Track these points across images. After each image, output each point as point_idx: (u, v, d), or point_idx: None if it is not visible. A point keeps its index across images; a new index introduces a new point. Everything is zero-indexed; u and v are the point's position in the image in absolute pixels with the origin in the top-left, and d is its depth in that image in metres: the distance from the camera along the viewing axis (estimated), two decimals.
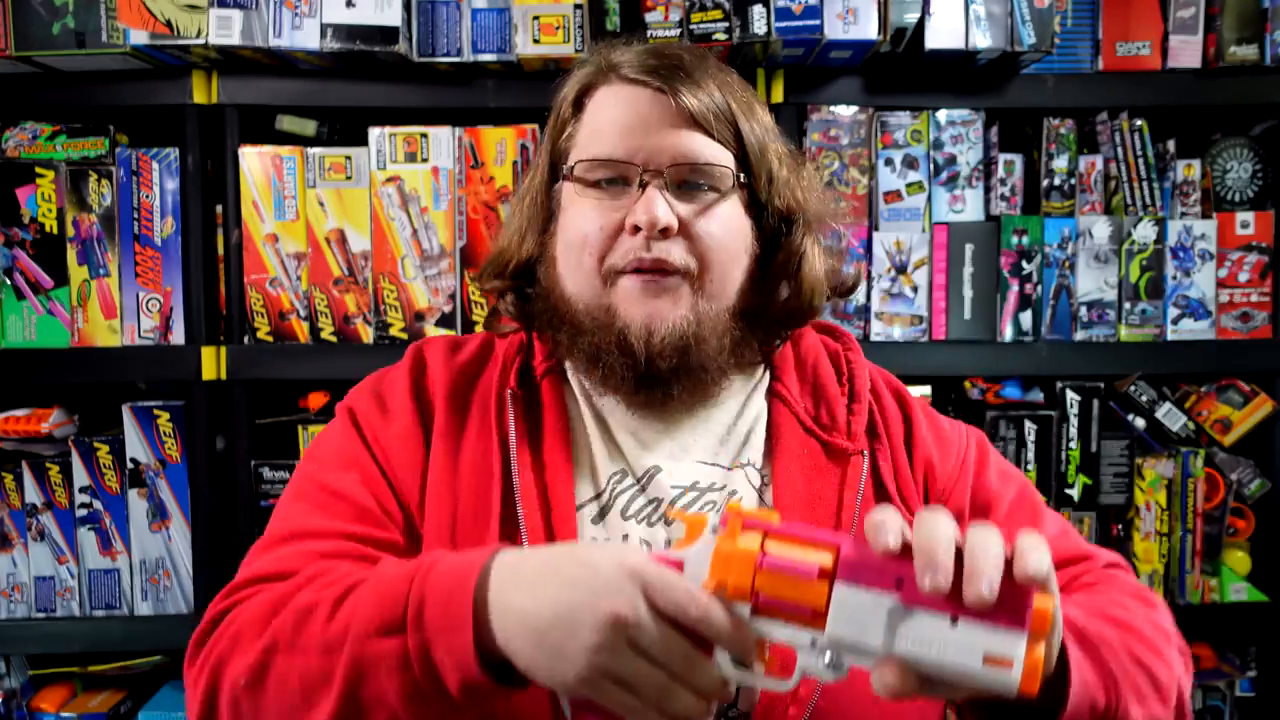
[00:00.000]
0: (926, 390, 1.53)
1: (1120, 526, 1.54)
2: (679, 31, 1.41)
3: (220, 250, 1.50)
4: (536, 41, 1.40)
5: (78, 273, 1.46)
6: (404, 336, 1.48)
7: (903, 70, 1.51)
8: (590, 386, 0.92)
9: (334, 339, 1.48)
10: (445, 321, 1.48)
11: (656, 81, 0.87)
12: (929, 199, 1.53)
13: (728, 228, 0.88)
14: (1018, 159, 1.54)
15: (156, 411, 1.47)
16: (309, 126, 1.54)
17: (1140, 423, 1.56)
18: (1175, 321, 1.54)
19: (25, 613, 1.48)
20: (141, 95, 1.46)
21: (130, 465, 1.46)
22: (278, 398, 1.55)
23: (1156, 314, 1.53)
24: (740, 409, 0.93)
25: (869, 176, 1.52)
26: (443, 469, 0.87)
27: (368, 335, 1.48)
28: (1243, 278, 1.55)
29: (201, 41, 1.37)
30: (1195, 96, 1.53)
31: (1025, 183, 1.55)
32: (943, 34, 1.42)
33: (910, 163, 1.53)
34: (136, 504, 1.47)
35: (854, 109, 1.52)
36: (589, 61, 0.94)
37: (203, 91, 1.46)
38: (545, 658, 0.64)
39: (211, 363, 1.46)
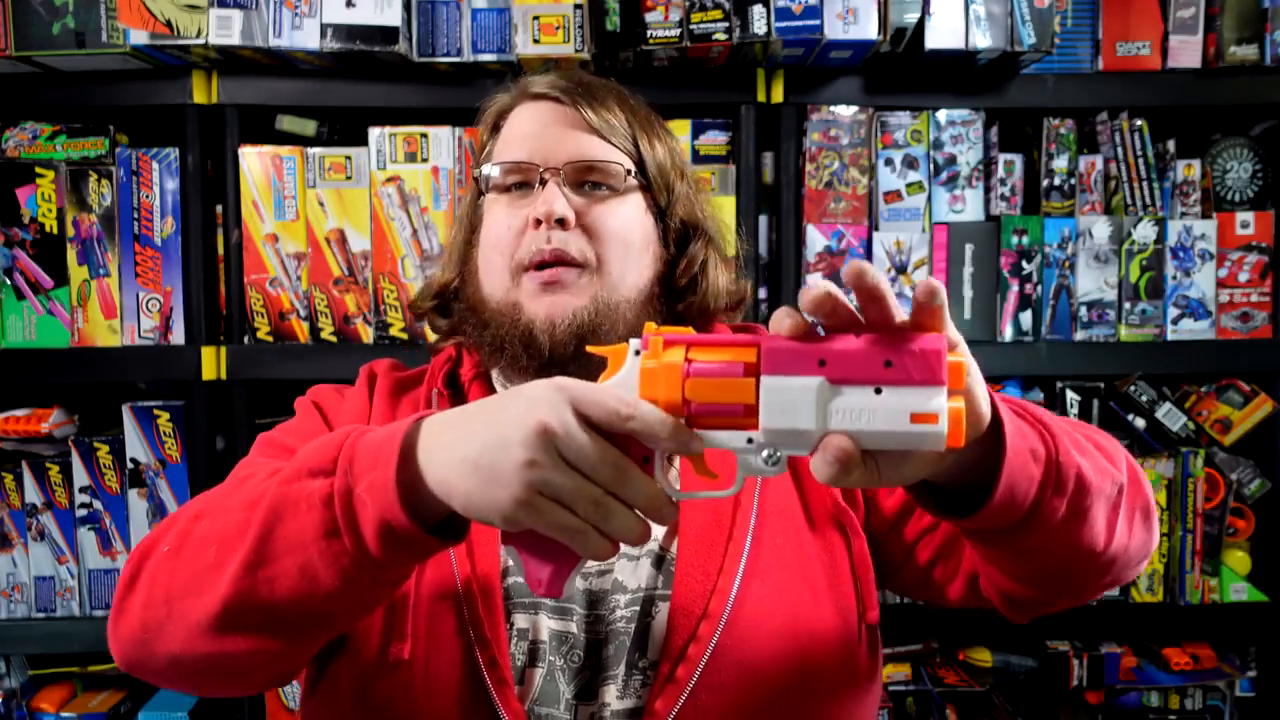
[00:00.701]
0: None
1: None
2: (679, 32, 1.41)
3: (220, 250, 1.50)
4: (536, 41, 1.40)
5: (78, 273, 1.46)
6: (404, 336, 1.48)
7: (903, 70, 1.51)
8: (503, 382, 0.98)
9: (334, 339, 1.48)
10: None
11: (562, 95, 0.97)
12: (929, 199, 1.53)
13: (623, 222, 0.95)
14: (1018, 159, 1.54)
15: (156, 411, 1.47)
16: (309, 126, 1.55)
17: (1140, 423, 1.56)
18: (1175, 321, 1.54)
19: (25, 613, 1.48)
20: (141, 95, 1.46)
21: (130, 465, 1.47)
22: (278, 398, 1.55)
23: (1156, 314, 1.53)
24: None
25: (869, 176, 1.52)
26: None
27: (368, 335, 1.48)
28: (1243, 278, 1.55)
29: (201, 41, 1.37)
30: (1195, 96, 1.53)
31: (1025, 183, 1.55)
32: (943, 34, 1.42)
33: (910, 163, 1.53)
34: (136, 504, 1.47)
35: (854, 109, 1.52)
36: (505, 90, 1.03)
37: (203, 91, 1.46)
38: (480, 484, 0.62)
39: (211, 363, 1.46)
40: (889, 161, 1.53)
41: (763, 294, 1.53)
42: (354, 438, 0.69)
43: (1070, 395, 1.52)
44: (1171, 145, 1.56)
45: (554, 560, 0.67)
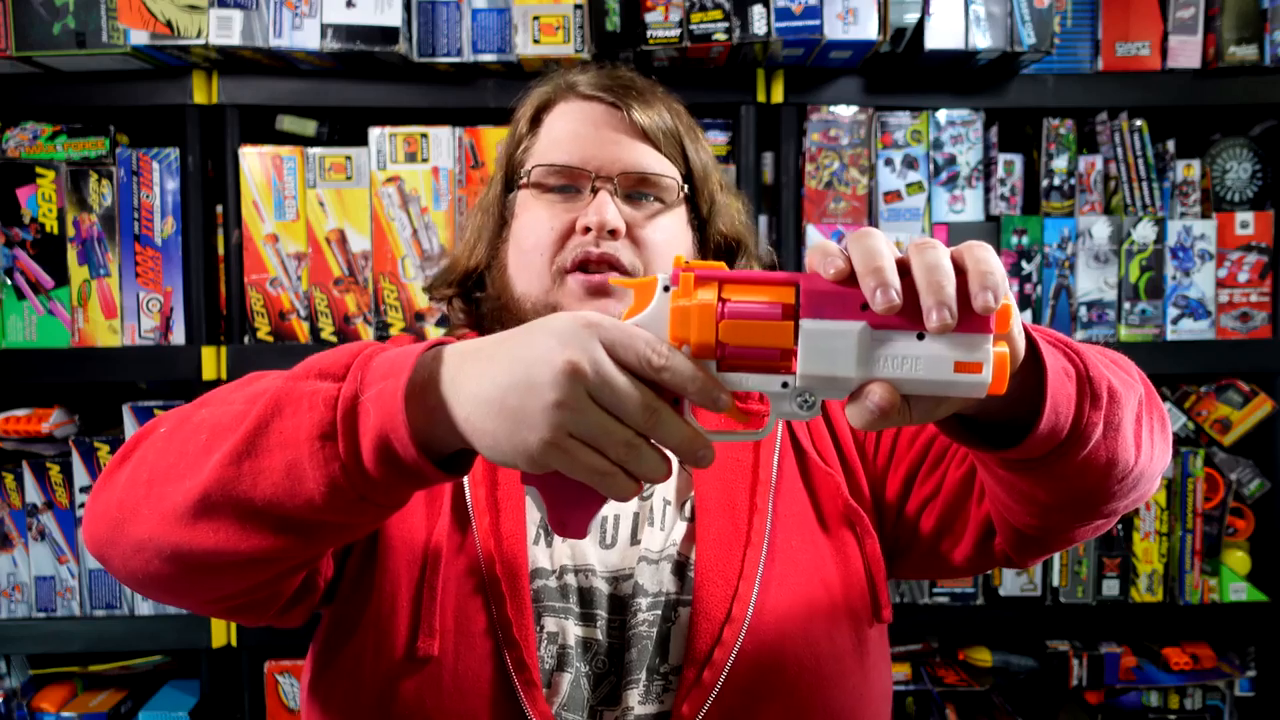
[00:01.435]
0: None
1: (1120, 526, 1.54)
2: (679, 32, 1.41)
3: (220, 250, 1.50)
4: (536, 42, 1.41)
5: (78, 273, 1.47)
6: (400, 334, 1.48)
7: (902, 70, 1.52)
8: None
9: (334, 339, 1.48)
10: (445, 322, 1.48)
11: (610, 97, 0.95)
12: (929, 199, 1.53)
13: (670, 236, 0.94)
14: (1017, 159, 1.54)
15: (157, 411, 1.47)
16: (309, 126, 1.55)
17: None
18: (1175, 321, 1.54)
19: (26, 612, 1.48)
20: (142, 95, 1.46)
21: None
22: None
23: (1156, 314, 1.54)
24: None
25: (869, 177, 1.52)
26: None
27: (368, 335, 1.48)
28: (1242, 278, 1.55)
29: (202, 42, 1.37)
30: (1195, 96, 1.53)
31: (1025, 183, 1.55)
32: (942, 34, 1.42)
33: (910, 163, 1.53)
34: None
35: (854, 109, 1.52)
36: (547, 81, 1.01)
37: (203, 91, 1.46)
38: (507, 425, 0.59)
39: (212, 363, 1.46)
40: (889, 162, 1.53)
41: None
42: (373, 349, 0.67)
43: None
44: (1171, 145, 1.56)
45: (577, 501, 0.64)
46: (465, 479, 0.85)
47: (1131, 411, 0.72)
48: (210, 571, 0.69)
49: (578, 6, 1.40)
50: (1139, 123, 1.53)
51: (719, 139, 1.53)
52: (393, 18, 1.39)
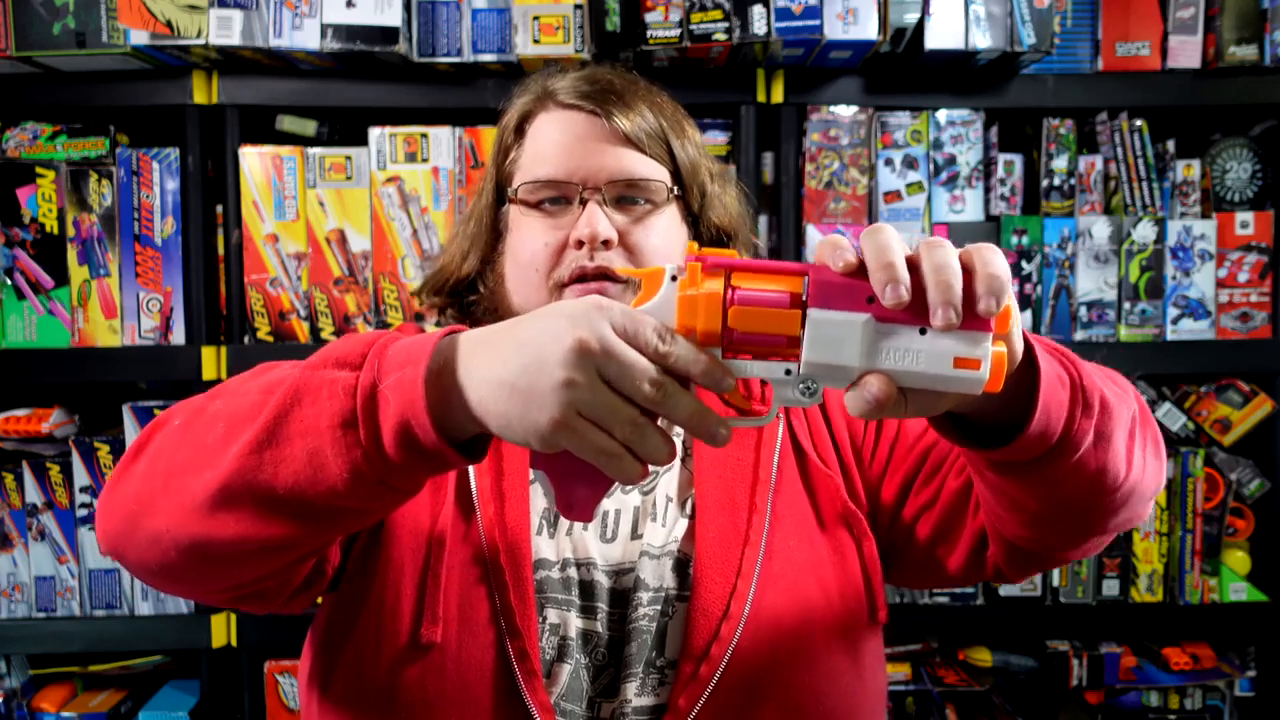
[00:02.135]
0: None
1: None
2: (679, 32, 1.41)
3: (220, 250, 1.50)
4: (536, 42, 1.41)
5: (78, 273, 1.46)
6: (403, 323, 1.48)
7: (902, 70, 1.52)
8: None
9: (334, 339, 1.48)
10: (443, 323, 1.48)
11: (590, 105, 0.95)
12: (929, 199, 1.53)
13: (665, 238, 0.94)
14: (1017, 159, 1.54)
15: (157, 411, 1.47)
16: (309, 126, 1.55)
17: None
18: (1175, 321, 1.54)
19: (26, 612, 1.48)
20: (142, 95, 1.46)
21: None
22: None
23: (1156, 314, 1.54)
24: None
25: (869, 177, 1.52)
26: None
27: None
28: (1242, 278, 1.55)
29: (202, 42, 1.37)
30: (1195, 96, 1.53)
31: (1025, 183, 1.55)
32: (942, 34, 1.42)
33: (910, 163, 1.53)
34: None
35: (854, 109, 1.52)
36: (528, 89, 1.01)
37: (203, 92, 1.46)
38: (518, 406, 0.61)
39: (212, 363, 1.46)
40: (889, 162, 1.53)
41: None
42: (387, 338, 0.67)
43: None
44: (1171, 145, 1.56)
45: (585, 484, 0.66)
46: (471, 468, 0.86)
47: (1124, 426, 0.73)
48: (227, 561, 0.70)
49: (578, 6, 1.40)
50: (1139, 123, 1.53)
51: (719, 139, 1.53)
52: (393, 18, 1.39)
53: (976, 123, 1.53)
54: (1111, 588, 1.54)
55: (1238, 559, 1.58)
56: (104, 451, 1.47)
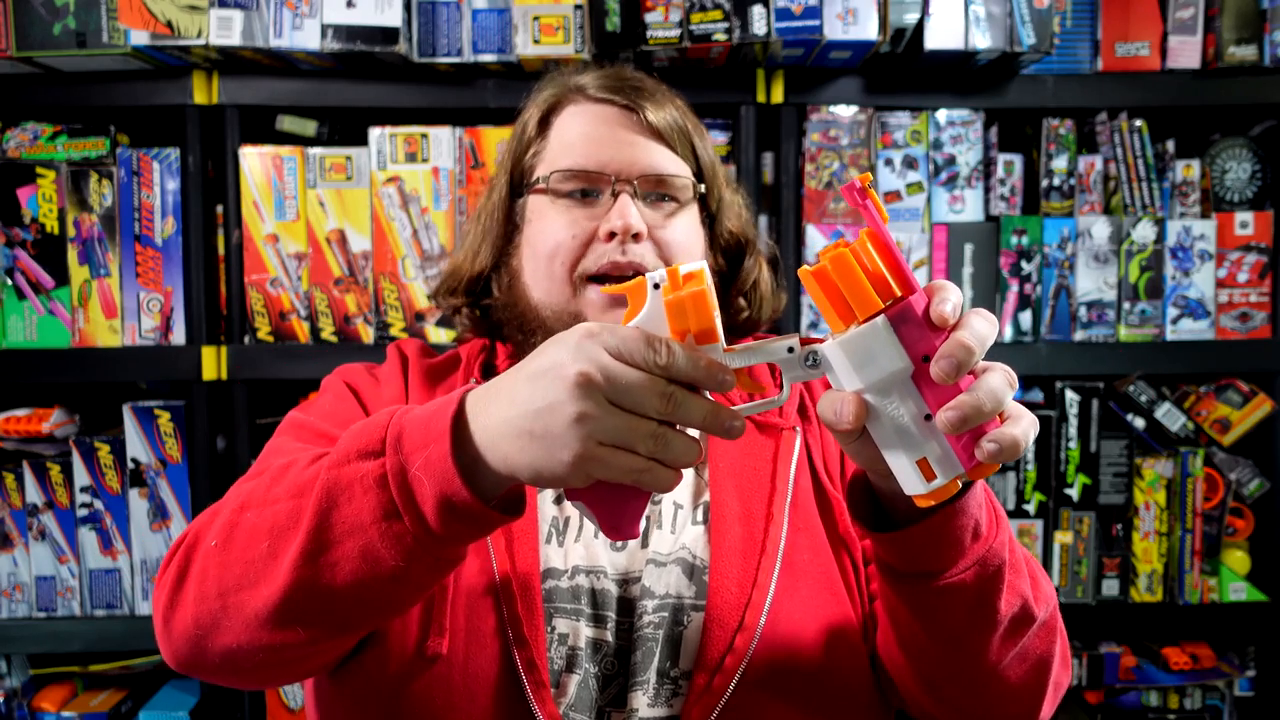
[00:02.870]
0: None
1: (1119, 526, 1.55)
2: (679, 32, 1.41)
3: (221, 250, 1.51)
4: (536, 42, 1.41)
5: (78, 273, 1.47)
6: (404, 337, 1.48)
7: (902, 70, 1.52)
8: None
9: (334, 339, 1.48)
10: (446, 322, 1.48)
11: (622, 99, 0.95)
12: (928, 199, 1.53)
13: (688, 235, 0.95)
14: (1017, 159, 1.54)
15: (157, 411, 1.47)
16: (309, 127, 1.55)
17: (1140, 423, 1.56)
18: (1174, 321, 1.54)
19: (26, 612, 1.48)
20: (142, 95, 1.46)
21: (131, 465, 1.47)
22: (278, 398, 1.55)
23: (1156, 314, 1.54)
24: None
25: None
26: None
27: (368, 335, 1.48)
28: (1242, 278, 1.55)
29: (202, 42, 1.37)
30: (1194, 97, 1.53)
31: (1025, 183, 1.55)
32: (942, 34, 1.42)
33: (910, 163, 1.53)
34: (137, 504, 1.47)
35: (854, 109, 1.52)
36: (550, 84, 1.01)
37: (203, 92, 1.46)
38: (542, 451, 0.61)
39: (212, 363, 1.46)
40: (889, 162, 1.53)
41: None
42: (398, 416, 0.68)
43: (1069, 395, 1.53)
44: (1171, 145, 1.56)
45: (623, 504, 0.66)
46: None
47: (1011, 619, 0.75)
48: (302, 659, 0.74)
49: (578, 6, 1.40)
50: (1139, 123, 1.54)
51: (719, 139, 1.53)
52: (393, 18, 1.39)
53: (976, 123, 1.53)
54: (1111, 587, 1.54)
55: (1237, 559, 1.58)
56: (104, 451, 1.47)
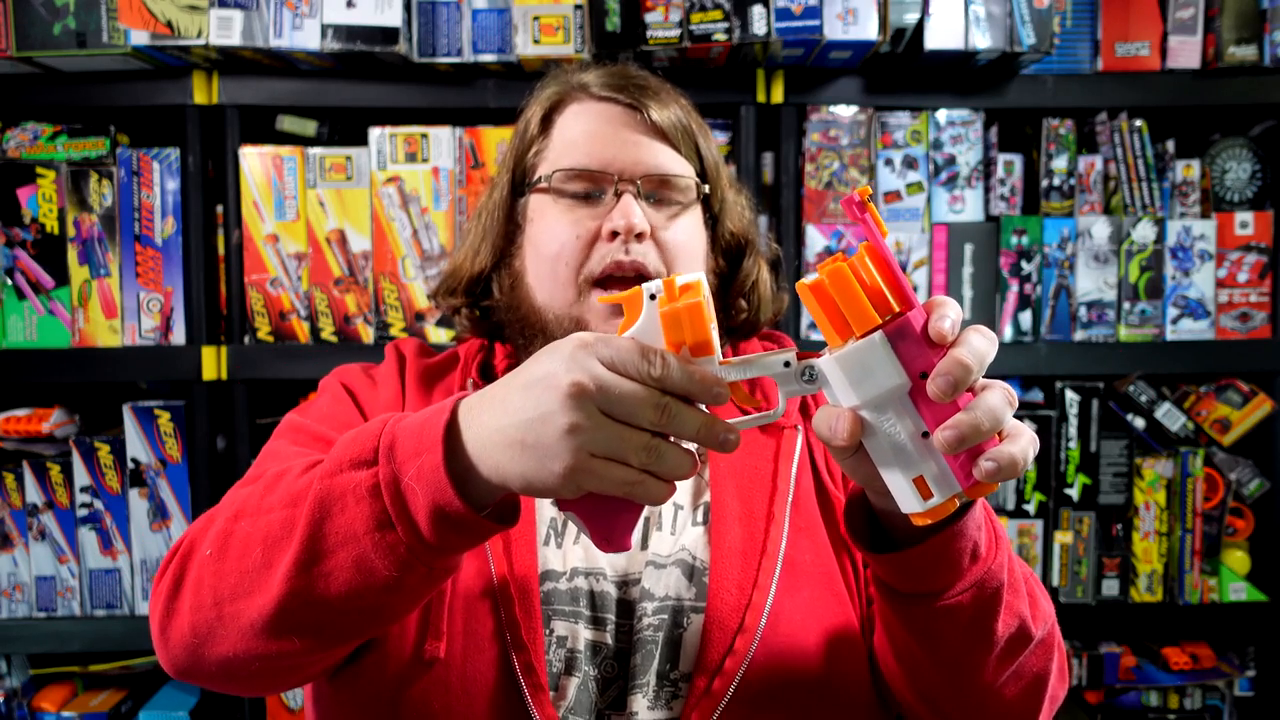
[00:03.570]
0: None
1: (1119, 526, 1.55)
2: (679, 32, 1.41)
3: (221, 250, 1.51)
4: (536, 42, 1.41)
5: (78, 273, 1.47)
6: (404, 337, 1.48)
7: (902, 70, 1.52)
8: None
9: (334, 339, 1.48)
10: (446, 322, 1.48)
11: (626, 98, 0.94)
12: (928, 199, 1.53)
13: (691, 236, 0.95)
14: (1017, 159, 1.54)
15: (157, 411, 1.47)
16: (309, 127, 1.55)
17: (1140, 423, 1.56)
18: (1174, 321, 1.54)
19: (26, 612, 1.48)
20: (142, 95, 1.46)
21: (131, 465, 1.47)
22: (278, 398, 1.55)
23: (1156, 314, 1.54)
24: None
25: (869, 177, 1.53)
26: None
27: (368, 335, 1.48)
28: (1242, 278, 1.55)
29: (202, 42, 1.37)
30: (1194, 97, 1.53)
31: (1025, 183, 1.55)
32: (942, 34, 1.42)
33: (910, 163, 1.53)
34: (137, 504, 1.47)
35: (854, 109, 1.52)
36: (553, 83, 1.00)
37: (203, 92, 1.46)
38: (533, 461, 0.61)
39: (212, 363, 1.46)
40: (889, 162, 1.53)
41: None
42: (390, 425, 0.68)
43: (1069, 395, 1.53)
44: (1171, 145, 1.56)
45: (615, 516, 0.65)
46: None
47: (1006, 637, 0.75)
48: (299, 667, 0.74)
49: (578, 6, 1.40)
50: (1139, 123, 1.54)
51: (719, 139, 1.53)
52: (393, 18, 1.39)
53: (976, 123, 1.53)
54: (1111, 587, 1.54)
55: (1237, 559, 1.58)
56: (104, 451, 1.47)
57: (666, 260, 0.91)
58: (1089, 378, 1.54)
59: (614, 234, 0.89)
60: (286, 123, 1.55)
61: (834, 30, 1.39)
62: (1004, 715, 0.80)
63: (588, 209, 0.92)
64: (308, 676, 0.79)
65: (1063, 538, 1.53)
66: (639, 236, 0.89)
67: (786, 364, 0.63)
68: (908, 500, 0.63)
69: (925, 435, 0.62)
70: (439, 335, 1.48)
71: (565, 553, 0.85)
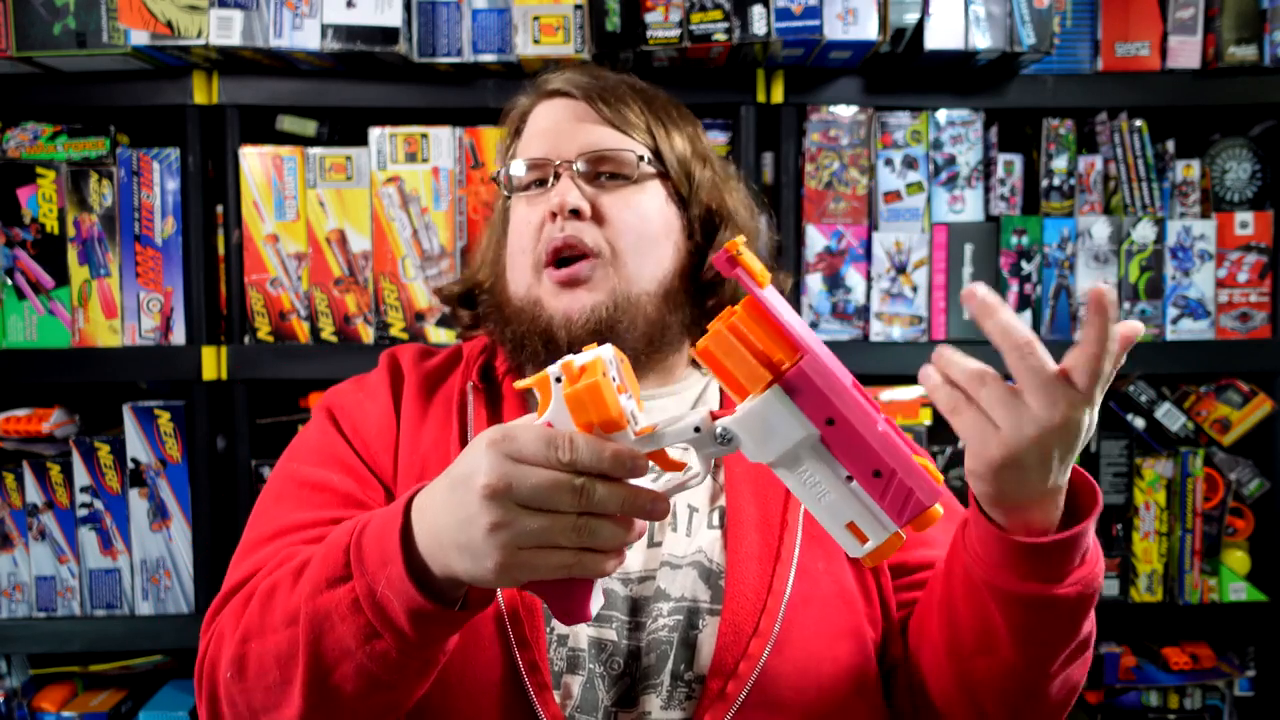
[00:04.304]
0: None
1: (1120, 526, 1.55)
2: (679, 32, 1.41)
3: (221, 250, 1.50)
4: (536, 42, 1.41)
5: (78, 273, 1.47)
6: (404, 337, 1.48)
7: (902, 70, 1.52)
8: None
9: (334, 339, 1.48)
10: (445, 322, 1.48)
11: (572, 89, 0.97)
12: (929, 199, 1.53)
13: (640, 212, 0.94)
14: (1017, 159, 1.54)
15: (157, 411, 1.47)
16: (309, 127, 1.55)
17: (1140, 423, 1.56)
18: (1174, 321, 1.54)
19: (26, 612, 1.48)
20: (142, 95, 1.46)
21: (131, 465, 1.47)
22: (278, 398, 1.55)
23: (1156, 314, 1.54)
24: (696, 400, 0.99)
25: (869, 177, 1.53)
26: (409, 452, 0.92)
27: (368, 335, 1.48)
28: (1242, 278, 1.55)
29: (202, 42, 1.37)
30: (1194, 97, 1.53)
31: (1025, 183, 1.55)
32: (942, 34, 1.42)
33: (910, 163, 1.53)
34: (137, 504, 1.47)
35: (854, 109, 1.52)
36: (529, 91, 1.03)
37: (203, 92, 1.46)
38: (470, 561, 0.63)
39: (212, 363, 1.46)
40: (889, 162, 1.53)
41: None
42: (355, 534, 0.71)
43: None
44: (1171, 145, 1.56)
45: (568, 591, 0.66)
46: None
47: (1081, 638, 0.77)
48: None
49: (578, 6, 1.40)
50: (1139, 123, 1.53)
51: (719, 139, 1.53)
52: (393, 18, 1.39)
53: (976, 123, 1.53)
54: (1111, 588, 1.54)
55: (1237, 559, 1.58)
56: (104, 451, 1.47)
57: (610, 236, 0.92)
58: None
59: (554, 215, 0.92)
60: (286, 123, 1.55)
61: (834, 30, 1.39)
62: (1043, 715, 0.81)
63: (539, 198, 0.95)
64: None
65: None
66: (575, 213, 0.91)
67: (697, 429, 0.63)
68: (848, 545, 0.62)
69: (849, 479, 0.61)
70: (439, 335, 1.48)
71: None
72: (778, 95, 1.50)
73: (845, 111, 1.52)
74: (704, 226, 0.99)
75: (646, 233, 0.94)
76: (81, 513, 1.47)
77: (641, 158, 0.95)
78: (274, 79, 1.47)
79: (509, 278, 0.98)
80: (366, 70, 1.47)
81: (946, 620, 0.81)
